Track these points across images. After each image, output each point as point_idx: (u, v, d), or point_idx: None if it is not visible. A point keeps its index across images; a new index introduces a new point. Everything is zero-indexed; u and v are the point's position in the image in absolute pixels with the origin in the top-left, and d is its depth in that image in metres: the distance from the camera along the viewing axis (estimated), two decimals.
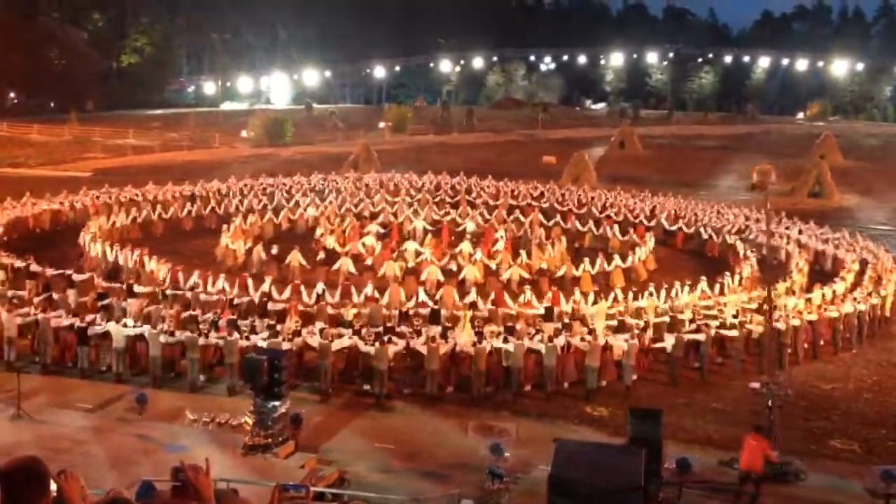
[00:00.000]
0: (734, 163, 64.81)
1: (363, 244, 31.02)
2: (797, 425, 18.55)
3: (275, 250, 29.69)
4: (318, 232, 33.22)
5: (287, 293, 24.22)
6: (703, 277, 26.83)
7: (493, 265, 29.17)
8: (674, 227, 36.90)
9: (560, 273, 28.99)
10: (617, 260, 29.96)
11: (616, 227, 35.25)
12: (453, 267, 28.87)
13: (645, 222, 37.30)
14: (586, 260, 29.77)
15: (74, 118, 74.45)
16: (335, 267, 28.12)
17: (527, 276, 28.50)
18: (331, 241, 31.59)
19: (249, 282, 25.39)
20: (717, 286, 26.47)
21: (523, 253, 30.52)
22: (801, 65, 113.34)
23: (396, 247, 30.77)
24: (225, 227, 33.01)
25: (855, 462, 17.34)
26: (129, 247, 29.09)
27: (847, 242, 33.84)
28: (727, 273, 28.44)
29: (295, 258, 28.41)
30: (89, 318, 20.70)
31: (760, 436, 15.93)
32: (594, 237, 34.91)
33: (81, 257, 29.76)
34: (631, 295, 25.13)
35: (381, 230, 33.78)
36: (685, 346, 21.58)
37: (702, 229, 35.93)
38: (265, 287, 24.65)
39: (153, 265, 27.11)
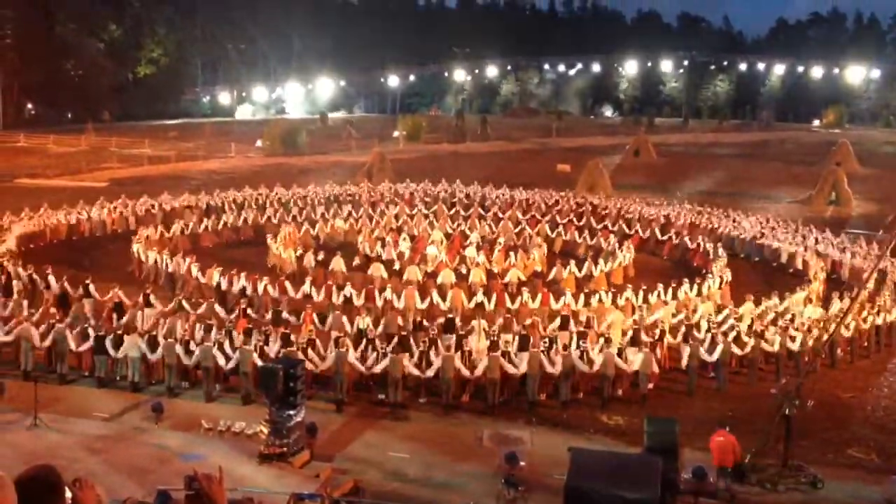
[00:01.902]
0: (750, 170, 64.66)
1: (398, 252, 32.17)
2: (815, 434, 18.43)
3: (321, 257, 31.11)
4: (360, 240, 34.47)
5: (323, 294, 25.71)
6: (686, 280, 27.44)
7: (495, 268, 30.51)
8: (664, 238, 37.08)
9: (550, 276, 30.14)
10: (601, 265, 31.22)
11: (612, 236, 35.89)
12: (462, 270, 29.91)
13: (640, 233, 37.71)
14: (572, 262, 31.12)
15: (91, 129, 74.88)
16: (369, 272, 29.43)
17: (524, 278, 29.93)
18: (378, 248, 32.82)
19: (287, 284, 26.32)
20: (696, 287, 27.04)
21: (512, 255, 31.86)
22: (817, 72, 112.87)
23: (422, 253, 32.09)
24: (270, 236, 33.93)
25: (873, 471, 17.20)
26: (179, 255, 29.97)
27: (864, 251, 33.61)
28: (709, 275, 28.91)
29: (338, 263, 29.90)
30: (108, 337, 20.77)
31: (726, 431, 16.01)
32: (587, 247, 35.65)
33: (137, 266, 30.56)
34: (647, 307, 25.24)
35: (410, 240, 34.70)
36: (701, 357, 21.50)
37: (686, 239, 36.06)
38: (305, 288, 25.94)
39: (195, 272, 27.79)
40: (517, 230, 37.21)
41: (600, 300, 25.51)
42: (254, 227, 37.77)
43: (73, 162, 60.80)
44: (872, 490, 16.14)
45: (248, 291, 25.98)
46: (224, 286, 26.72)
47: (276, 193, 42.88)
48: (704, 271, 31.28)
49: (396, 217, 39.53)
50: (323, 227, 37.40)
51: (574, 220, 40.11)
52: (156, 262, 29.86)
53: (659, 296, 26.22)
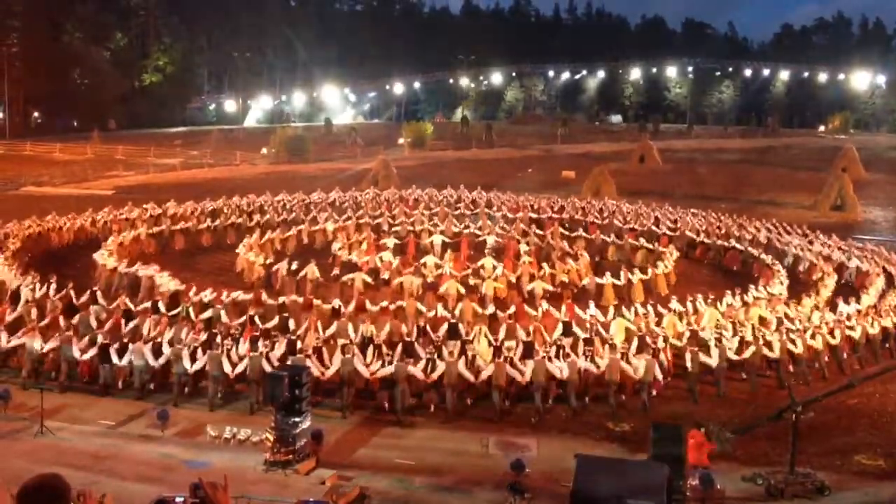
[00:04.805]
0: (755, 176, 64.55)
1: (380, 258, 30.86)
2: (822, 440, 18.36)
3: (295, 265, 29.52)
4: (336, 246, 33.14)
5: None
6: (728, 292, 26.36)
7: (513, 278, 28.88)
8: (697, 240, 36.69)
9: (583, 283, 28.84)
10: (638, 273, 29.67)
11: (643, 239, 35.17)
12: (472, 281, 28.44)
13: (668, 233, 36.97)
14: (608, 273, 29.59)
15: (97, 137, 75.14)
16: (350, 278, 28.10)
17: (550, 288, 28.23)
18: (353, 255, 31.40)
19: (264, 297, 25.41)
20: (740, 298, 26.07)
21: (546, 266, 30.25)
22: (822, 77, 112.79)
23: (414, 261, 30.49)
24: (244, 241, 33.07)
25: (881, 478, 17.11)
26: (140, 262, 29.30)
27: (870, 256, 33.56)
28: (752, 286, 27.96)
29: (311, 272, 28.52)
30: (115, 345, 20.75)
31: (696, 431, 16.33)
32: (617, 249, 34.71)
33: (97, 274, 29.97)
34: (651, 311, 24.81)
35: (397, 242, 33.71)
36: (702, 363, 21.44)
37: (719, 242, 35.72)
38: (281, 298, 25.11)
39: (164, 280, 27.05)
40: (531, 232, 36.08)
41: (636, 314, 24.22)
42: (243, 230, 36.50)
43: (80, 170, 60.97)
44: (880, 497, 16.06)
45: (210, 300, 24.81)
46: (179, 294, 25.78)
47: (282, 200, 42.86)
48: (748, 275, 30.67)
49: (393, 219, 38.35)
50: (309, 230, 36.18)
51: (596, 220, 39.32)
52: (115, 268, 28.86)
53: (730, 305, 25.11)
